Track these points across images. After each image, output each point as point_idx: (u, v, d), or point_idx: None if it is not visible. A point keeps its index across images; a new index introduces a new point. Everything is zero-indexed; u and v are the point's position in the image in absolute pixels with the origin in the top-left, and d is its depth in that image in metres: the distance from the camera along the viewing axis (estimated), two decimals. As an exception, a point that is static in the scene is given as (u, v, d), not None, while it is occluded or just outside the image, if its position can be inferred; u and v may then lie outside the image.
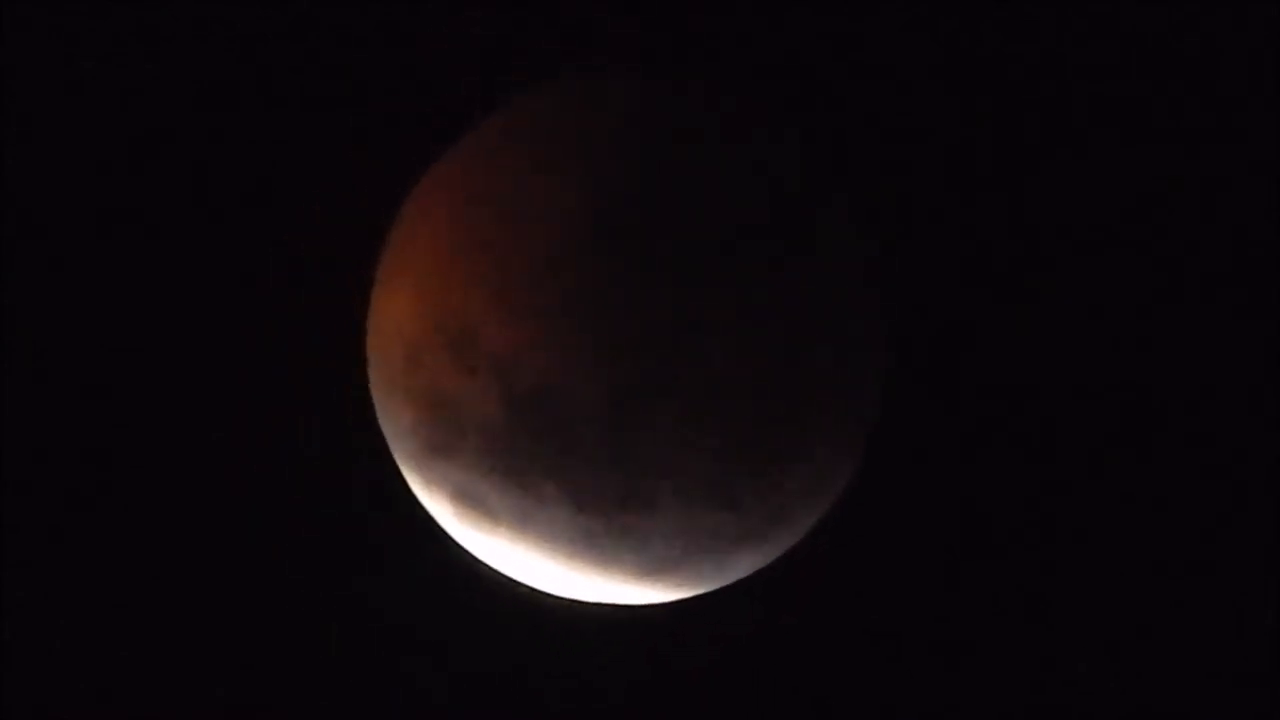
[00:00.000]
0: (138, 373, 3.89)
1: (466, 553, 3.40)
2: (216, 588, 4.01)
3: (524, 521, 3.06)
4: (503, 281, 2.85)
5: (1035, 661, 4.00)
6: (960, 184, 3.85)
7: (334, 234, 3.79)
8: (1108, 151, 3.81)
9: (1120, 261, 3.84)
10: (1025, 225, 3.86)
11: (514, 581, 3.42)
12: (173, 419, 3.92)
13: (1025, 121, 3.82)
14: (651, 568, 3.15)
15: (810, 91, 3.76)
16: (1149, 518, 3.91)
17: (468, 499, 3.12)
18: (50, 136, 3.77)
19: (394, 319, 3.09)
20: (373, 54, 3.80)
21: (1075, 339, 3.88)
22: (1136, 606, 3.94)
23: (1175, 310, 3.83)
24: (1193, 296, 3.81)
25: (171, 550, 3.99)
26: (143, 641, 3.98)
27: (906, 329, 3.53)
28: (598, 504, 2.95)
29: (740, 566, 3.37)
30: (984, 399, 3.92)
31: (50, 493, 3.89)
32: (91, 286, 3.86)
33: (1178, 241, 3.81)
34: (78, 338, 3.86)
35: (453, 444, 3.01)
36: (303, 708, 4.02)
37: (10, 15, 3.64)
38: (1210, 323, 3.82)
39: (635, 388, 2.81)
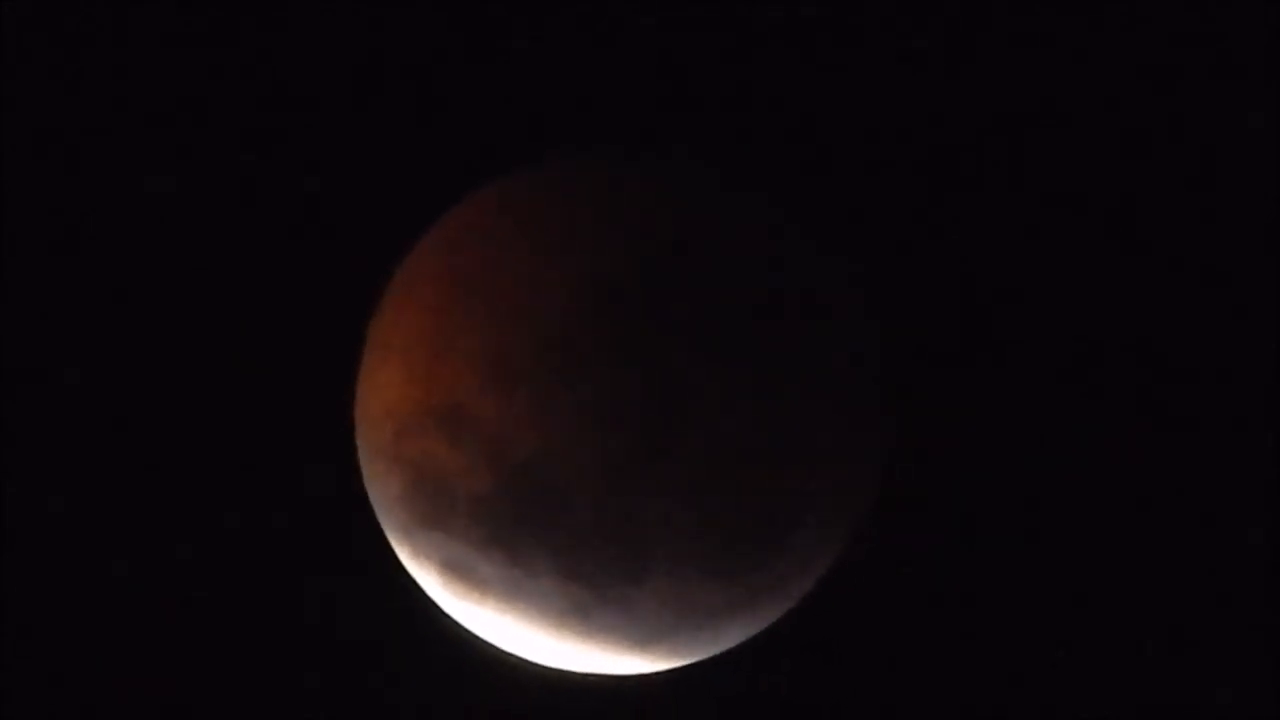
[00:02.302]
0: (122, 451, 3.87)
1: (455, 623, 3.36)
2: (196, 647, 3.96)
3: (513, 592, 3.03)
4: (493, 355, 2.85)
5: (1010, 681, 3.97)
6: (962, 251, 3.87)
7: (322, 304, 3.80)
8: (1104, 211, 3.84)
9: (1121, 326, 3.86)
10: (1028, 298, 3.88)
11: (503, 652, 3.38)
12: (156, 486, 3.89)
13: (1029, 187, 3.86)
14: (642, 638, 3.12)
15: (806, 161, 3.79)
16: (1153, 587, 3.90)
17: (457, 569, 3.09)
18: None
19: (383, 389, 3.09)
20: (365, 123, 3.83)
21: (1077, 405, 3.89)
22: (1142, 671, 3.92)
23: (1179, 366, 3.85)
24: (1192, 339, 3.83)
25: (150, 616, 3.95)
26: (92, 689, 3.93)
27: (908, 399, 3.52)
28: (587, 575, 2.93)
29: (732, 635, 3.34)
30: (984, 471, 3.91)
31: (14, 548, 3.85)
32: (73, 351, 3.85)
33: (1178, 291, 3.83)
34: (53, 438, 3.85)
35: (442, 515, 3.00)
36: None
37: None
38: (1210, 354, 3.83)
39: (626, 460, 2.80)
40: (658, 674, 3.41)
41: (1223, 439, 3.83)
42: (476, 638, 3.36)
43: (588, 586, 2.95)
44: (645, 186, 3.11)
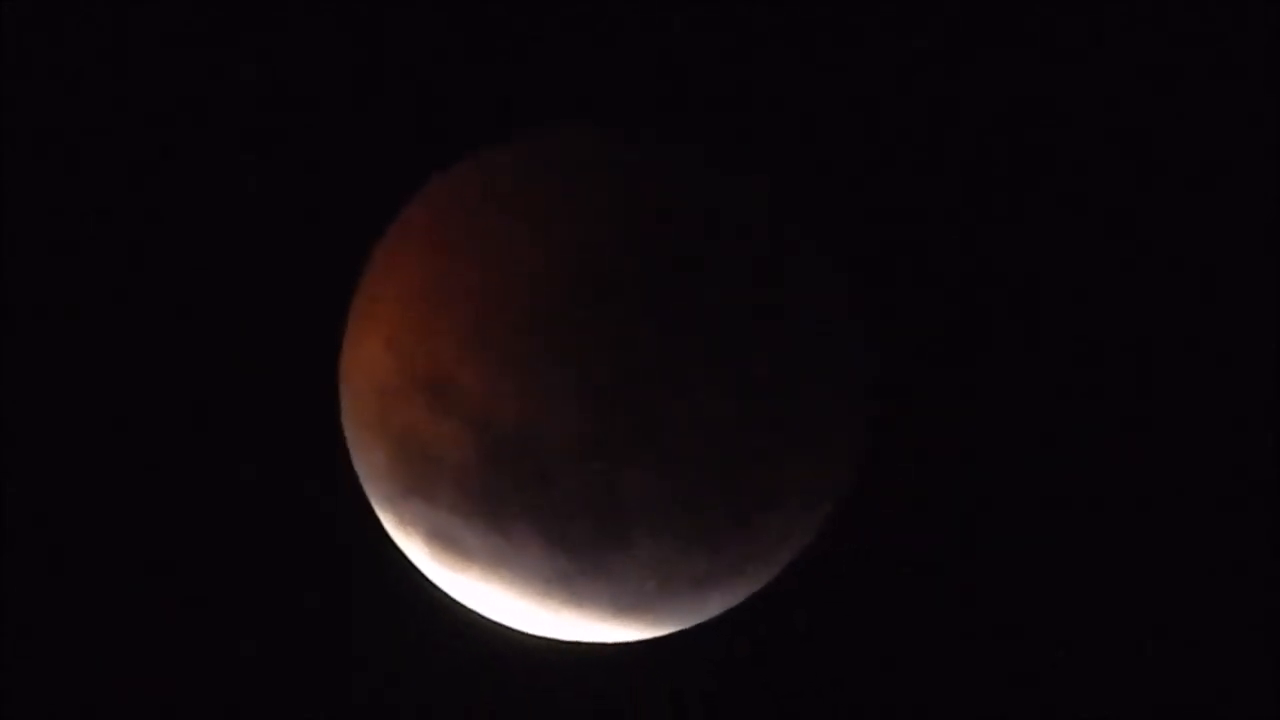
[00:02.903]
0: (105, 410, 3.88)
1: (441, 591, 3.39)
2: (185, 623, 3.98)
3: (498, 561, 3.06)
4: (478, 324, 2.87)
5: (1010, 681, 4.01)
6: (939, 225, 3.89)
7: (306, 274, 3.80)
8: (1102, 210, 3.85)
9: (1100, 307, 3.88)
10: (1004, 266, 3.90)
11: (488, 620, 3.41)
12: (141, 456, 3.90)
13: (999, 158, 3.86)
14: (626, 606, 3.15)
15: (786, 137, 3.80)
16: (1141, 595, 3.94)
17: (442, 539, 3.12)
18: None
19: (368, 361, 3.10)
20: (349, 94, 3.83)
21: (1057, 374, 3.91)
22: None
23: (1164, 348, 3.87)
24: (1190, 339, 3.85)
25: (136, 586, 3.97)
26: (108, 680, 3.95)
27: (888, 375, 3.55)
28: (571, 544, 2.96)
29: (715, 604, 3.37)
30: (966, 441, 3.94)
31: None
32: (57, 323, 3.86)
33: (1176, 291, 3.84)
34: (39, 375, 3.85)
35: (427, 486, 3.02)
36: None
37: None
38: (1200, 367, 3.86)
39: (609, 431, 2.83)
40: (640, 642, 3.44)
41: (1223, 439, 3.85)
42: (462, 606, 3.39)
43: (571, 556, 2.98)
44: (632, 160, 3.12)
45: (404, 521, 3.21)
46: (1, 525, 3.85)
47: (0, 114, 3.71)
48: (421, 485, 3.04)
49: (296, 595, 3.98)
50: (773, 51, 3.77)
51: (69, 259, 3.83)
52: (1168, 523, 3.90)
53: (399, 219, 3.27)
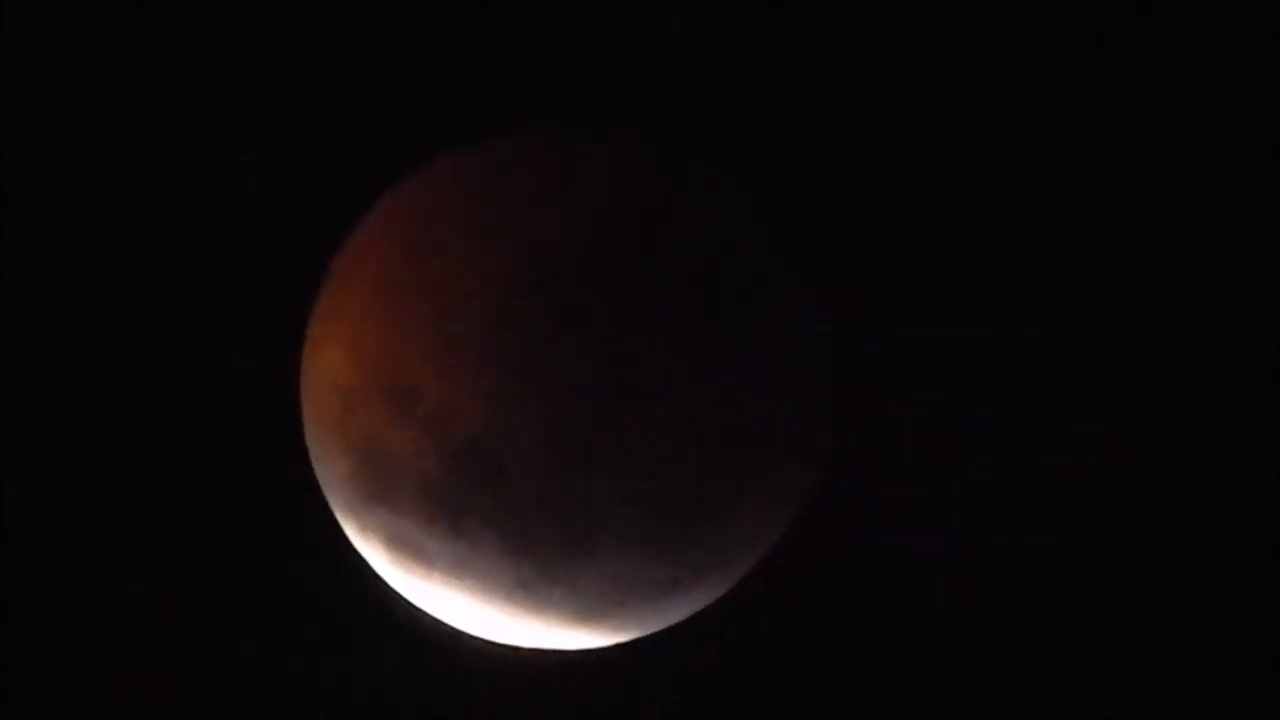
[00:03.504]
0: (65, 415, 3.84)
1: (402, 599, 3.38)
2: (145, 629, 3.94)
3: (459, 568, 3.05)
4: (438, 331, 2.86)
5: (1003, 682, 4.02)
6: (907, 231, 3.90)
7: (266, 279, 3.78)
8: (1083, 191, 3.87)
9: (1099, 307, 3.90)
10: (1002, 265, 3.91)
11: (451, 627, 3.40)
12: (101, 461, 3.87)
13: (999, 159, 3.88)
14: (588, 613, 3.15)
15: (754, 143, 3.81)
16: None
17: (404, 546, 3.11)
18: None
19: (329, 367, 3.08)
20: (312, 98, 3.80)
21: (1056, 374, 3.92)
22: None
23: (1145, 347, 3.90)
24: (1188, 339, 3.87)
25: (98, 590, 3.93)
26: (68, 686, 3.91)
27: (852, 378, 3.56)
28: (533, 550, 2.95)
29: (677, 610, 3.38)
30: (932, 446, 3.95)
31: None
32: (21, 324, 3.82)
33: (1173, 290, 3.87)
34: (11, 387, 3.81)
35: (389, 492, 3.01)
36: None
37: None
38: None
39: (570, 437, 2.82)
40: (603, 649, 3.44)
41: (1223, 439, 3.87)
42: (424, 614, 3.38)
43: (533, 562, 2.97)
44: (596, 162, 3.11)
45: (365, 528, 3.19)
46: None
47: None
48: (383, 492, 3.03)
49: (256, 603, 3.95)
50: (771, 51, 3.78)
51: (36, 258, 3.80)
52: (1166, 523, 3.92)
53: (359, 225, 3.26)
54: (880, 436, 3.92)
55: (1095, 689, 3.97)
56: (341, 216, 3.33)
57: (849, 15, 3.78)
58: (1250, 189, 3.80)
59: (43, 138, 3.73)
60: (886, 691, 4.03)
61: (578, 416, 2.83)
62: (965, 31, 3.76)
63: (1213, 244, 3.84)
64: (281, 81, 3.77)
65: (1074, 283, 3.89)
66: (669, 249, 2.97)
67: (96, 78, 3.71)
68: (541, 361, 2.82)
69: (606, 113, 3.62)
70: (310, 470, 3.33)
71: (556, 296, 2.84)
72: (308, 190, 3.78)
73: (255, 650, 3.98)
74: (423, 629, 3.46)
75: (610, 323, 2.85)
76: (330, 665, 3.97)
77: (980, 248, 3.89)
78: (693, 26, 3.77)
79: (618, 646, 3.45)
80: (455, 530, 2.97)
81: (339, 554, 3.39)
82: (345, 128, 3.79)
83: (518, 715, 3.94)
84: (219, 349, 3.83)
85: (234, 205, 3.81)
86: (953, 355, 3.92)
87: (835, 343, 3.34)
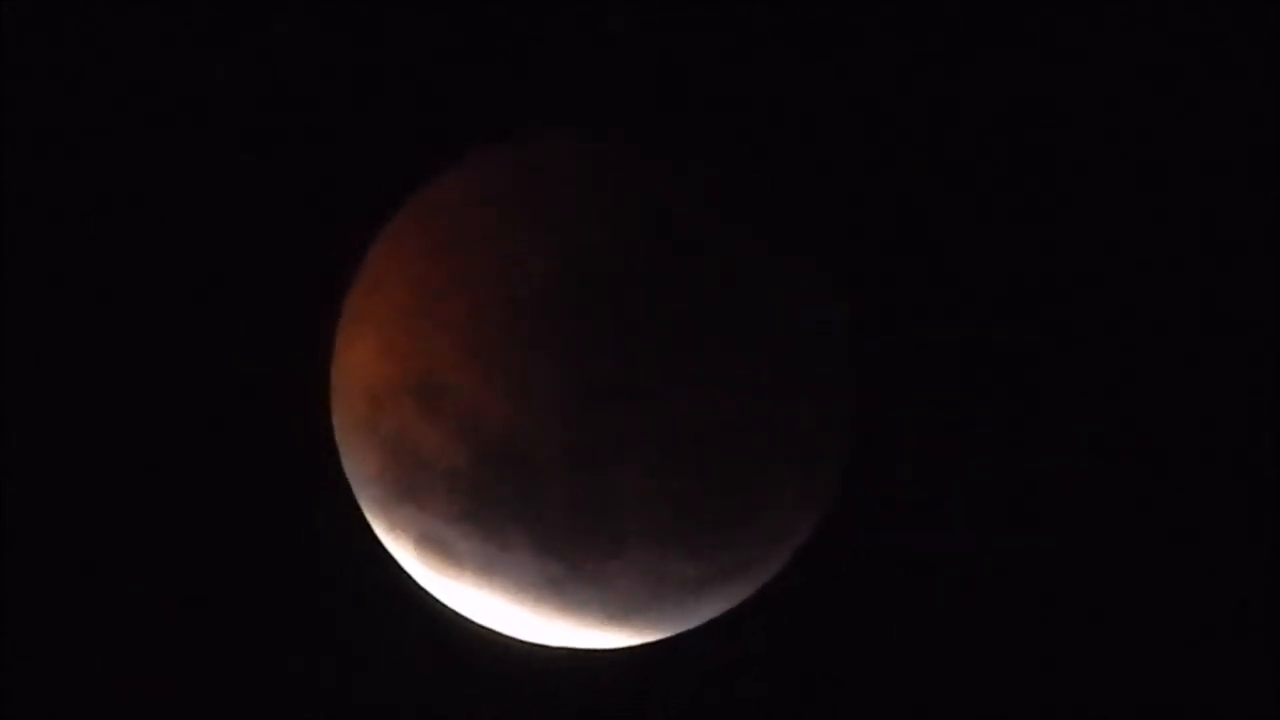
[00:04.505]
0: (93, 410, 3.86)
1: (431, 597, 3.38)
2: (176, 627, 3.96)
3: (489, 567, 3.05)
4: (470, 330, 2.86)
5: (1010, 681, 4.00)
6: (930, 236, 3.89)
7: (298, 278, 3.79)
8: (1083, 191, 3.85)
9: (1099, 307, 3.88)
10: (1005, 266, 3.90)
11: (479, 626, 3.40)
12: (128, 459, 3.89)
13: (999, 159, 3.86)
14: (616, 612, 3.15)
15: (784, 138, 3.80)
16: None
17: (432, 544, 3.11)
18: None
19: (359, 365, 3.09)
20: (341, 97, 3.82)
21: (1055, 374, 3.91)
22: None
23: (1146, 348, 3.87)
24: (1187, 338, 3.85)
25: (130, 587, 3.95)
26: (92, 689, 3.94)
27: (875, 380, 3.55)
28: (562, 549, 2.95)
29: (706, 610, 3.37)
30: (953, 446, 3.94)
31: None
32: (44, 322, 3.84)
33: (1171, 288, 3.84)
34: (28, 375, 3.83)
35: (418, 491, 3.01)
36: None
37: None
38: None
39: (600, 436, 2.82)
40: (632, 648, 3.44)
41: (1223, 438, 3.85)
42: (453, 612, 3.38)
43: (562, 561, 2.97)
44: (622, 163, 3.12)
45: (395, 526, 3.20)
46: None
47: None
48: (412, 490, 3.03)
49: (286, 600, 3.97)
50: (772, 51, 3.78)
51: (57, 257, 3.82)
52: (1166, 523, 3.90)
53: (391, 223, 3.27)
54: (884, 437, 3.91)
55: (1096, 689, 3.96)
56: (370, 215, 3.34)
57: (849, 15, 3.76)
58: (1250, 189, 3.77)
59: (44, 138, 3.75)
60: (917, 691, 4.01)
61: (607, 417, 2.82)
62: (965, 31, 3.74)
63: (1213, 244, 3.81)
64: (284, 84, 3.79)
65: (1074, 282, 3.88)
66: (700, 249, 2.96)
67: (97, 77, 3.72)
68: (572, 361, 2.81)
69: (608, 113, 3.62)
70: (340, 468, 3.34)
71: (587, 297, 2.83)
72: (337, 192, 3.80)
73: (283, 647, 3.99)
74: (452, 627, 3.46)
75: (640, 324, 2.84)
76: (360, 663, 3.98)
77: (981, 247, 3.88)
78: (693, 27, 3.76)
79: (645, 646, 3.44)
80: (485, 529, 2.97)
81: (368, 552, 3.40)
82: (372, 130, 3.81)
83: (546, 713, 3.94)
84: (250, 347, 3.85)
85: (264, 207, 3.83)
86: (952, 355, 3.91)
87: (860, 348, 3.33)
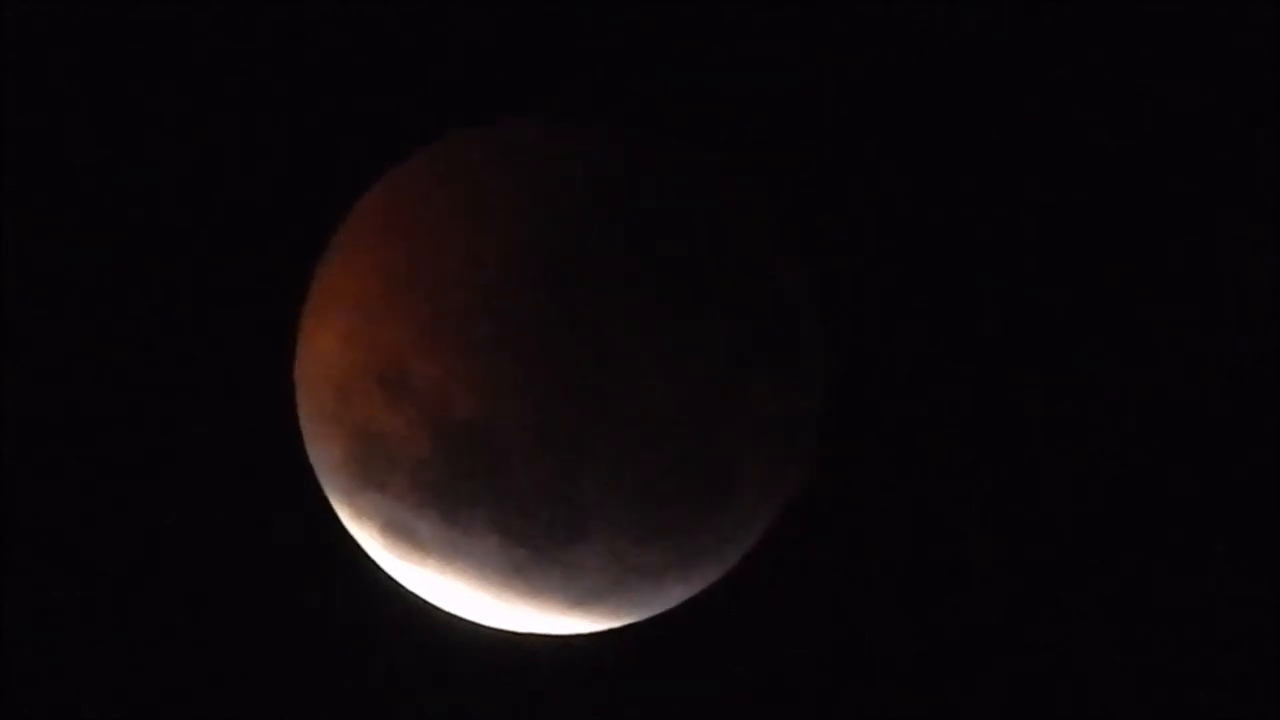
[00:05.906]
0: (59, 404, 3.84)
1: (396, 584, 3.39)
2: (140, 616, 3.95)
3: (453, 553, 3.06)
4: (433, 316, 2.87)
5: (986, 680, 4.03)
6: (901, 224, 3.91)
7: (260, 265, 3.78)
8: (1083, 191, 3.88)
9: (1098, 307, 3.90)
10: (970, 268, 3.92)
11: (444, 612, 3.41)
12: (95, 450, 3.87)
13: (999, 158, 3.88)
14: (581, 598, 3.16)
15: (750, 135, 3.81)
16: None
17: (398, 531, 3.12)
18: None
19: (323, 352, 3.09)
20: (304, 86, 3.81)
21: (1053, 374, 3.93)
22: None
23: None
24: (1184, 338, 3.87)
25: (91, 578, 3.93)
26: (61, 680, 3.92)
27: (844, 367, 3.58)
28: (526, 535, 2.97)
29: (671, 596, 3.39)
30: (922, 437, 3.96)
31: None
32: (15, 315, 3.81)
33: (1169, 288, 3.87)
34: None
35: (383, 478, 3.01)
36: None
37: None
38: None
39: (563, 421, 2.83)
40: (598, 633, 3.46)
41: (1223, 438, 3.88)
42: (418, 598, 3.39)
43: (527, 547, 2.99)
44: (585, 149, 3.12)
45: (360, 514, 3.20)
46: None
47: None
48: (377, 477, 3.03)
49: (252, 589, 3.96)
50: (757, 48, 3.79)
51: (22, 247, 3.79)
52: (1166, 523, 3.93)
53: (352, 211, 3.26)
54: (872, 433, 3.94)
55: (1095, 689, 3.99)
56: (334, 203, 3.34)
57: (849, 15, 3.78)
58: (1250, 189, 3.81)
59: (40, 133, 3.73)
60: (876, 681, 4.05)
61: (572, 403, 2.84)
62: (966, 31, 3.76)
63: (1213, 244, 3.85)
64: (269, 72, 3.77)
65: (1073, 283, 3.91)
66: (664, 238, 2.98)
67: (58, 64, 3.70)
68: (536, 348, 2.82)
69: (605, 110, 3.63)
70: (304, 455, 3.33)
71: (552, 284, 2.84)
72: (300, 178, 3.79)
73: (248, 634, 3.99)
74: (417, 614, 3.48)
75: (605, 311, 2.85)
76: (324, 650, 3.98)
77: (978, 247, 3.91)
78: (694, 26, 3.77)
79: (611, 632, 3.46)
80: (450, 515, 2.98)
81: (333, 539, 3.40)
82: (335, 116, 3.80)
83: (511, 699, 3.96)
84: (213, 334, 3.84)
85: (225, 192, 3.82)
86: (921, 344, 3.94)
87: (828, 335, 3.36)
